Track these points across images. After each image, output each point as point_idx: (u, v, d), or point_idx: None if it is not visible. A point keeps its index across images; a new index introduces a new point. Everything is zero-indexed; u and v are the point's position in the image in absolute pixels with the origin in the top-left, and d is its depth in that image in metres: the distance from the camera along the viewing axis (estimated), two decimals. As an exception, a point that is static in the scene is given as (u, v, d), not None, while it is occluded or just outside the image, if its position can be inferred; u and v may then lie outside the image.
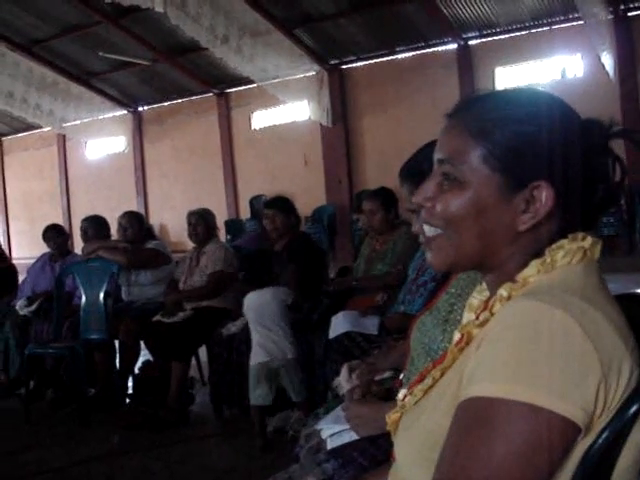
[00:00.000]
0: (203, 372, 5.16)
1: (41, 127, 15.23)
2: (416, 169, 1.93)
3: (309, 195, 12.42)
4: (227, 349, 4.29)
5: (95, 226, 5.51)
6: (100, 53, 12.51)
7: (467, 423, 0.85)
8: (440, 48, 11.88)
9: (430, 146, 1.18)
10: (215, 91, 14.21)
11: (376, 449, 1.83)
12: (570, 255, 0.97)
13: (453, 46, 11.72)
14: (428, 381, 1.03)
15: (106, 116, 15.10)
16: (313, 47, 12.15)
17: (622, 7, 10.24)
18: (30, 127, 16.18)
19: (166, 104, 15.06)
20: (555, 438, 0.82)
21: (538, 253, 0.99)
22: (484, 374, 0.86)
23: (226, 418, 4.48)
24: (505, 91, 1.08)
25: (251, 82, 12.31)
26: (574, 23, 10.35)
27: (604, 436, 0.87)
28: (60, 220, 14.32)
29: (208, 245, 4.97)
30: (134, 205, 14.53)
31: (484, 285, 1.13)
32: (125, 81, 14.30)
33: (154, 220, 14.47)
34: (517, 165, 0.98)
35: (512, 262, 1.01)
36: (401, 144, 10.69)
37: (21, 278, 6.03)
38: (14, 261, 7.03)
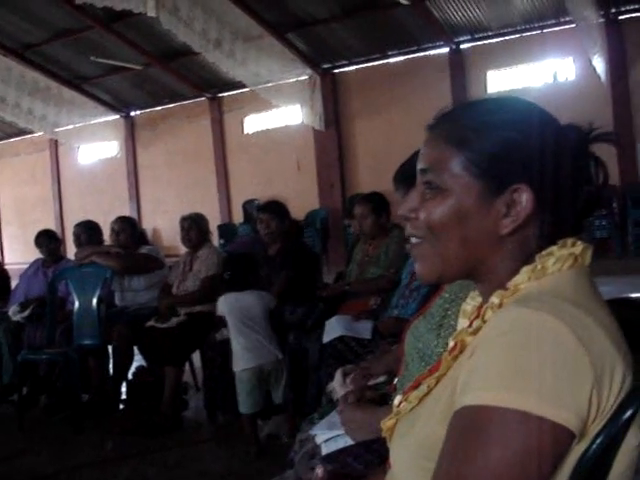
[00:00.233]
0: (197, 377, 5.15)
1: (33, 132, 15.22)
2: (410, 173, 1.93)
3: (302, 199, 12.42)
4: (221, 354, 4.28)
5: (88, 231, 5.50)
6: (92, 58, 12.52)
7: (462, 431, 0.86)
8: (432, 52, 11.93)
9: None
10: (208, 95, 14.22)
11: (371, 454, 1.82)
12: (561, 261, 0.97)
13: (445, 50, 11.77)
14: (423, 388, 1.04)
15: (98, 121, 15.07)
16: (305, 51, 12.17)
17: (613, 10, 10.29)
18: (22, 132, 16.15)
19: (158, 109, 15.06)
20: (549, 444, 0.82)
21: (528, 259, 0.99)
22: (477, 382, 0.86)
23: (220, 423, 4.47)
24: (483, 100, 1.09)
25: (243, 86, 12.31)
26: (565, 27, 10.41)
27: (598, 441, 0.87)
28: (52, 225, 14.28)
29: (201, 250, 4.96)
30: (127, 210, 14.49)
31: (477, 291, 1.14)
32: (117, 86, 14.29)
33: (147, 225, 14.45)
34: (497, 170, 0.99)
35: (502, 269, 1.02)
36: (393, 148, 10.74)
37: (13, 284, 6.00)
38: (6, 266, 6.99)
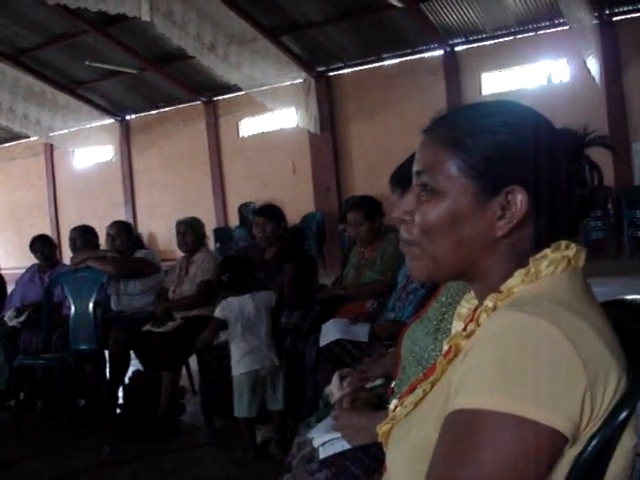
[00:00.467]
0: (194, 381, 5.14)
1: (28, 136, 15.21)
2: (406, 176, 1.93)
3: (298, 202, 12.44)
4: (217, 358, 4.27)
5: (84, 236, 5.48)
6: (87, 62, 12.51)
7: (455, 435, 0.86)
8: (426, 54, 11.96)
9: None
10: (203, 99, 14.22)
11: (369, 458, 1.82)
12: (554, 264, 0.98)
13: (439, 52, 11.79)
14: (419, 392, 1.04)
15: (93, 125, 15.08)
16: (300, 54, 12.19)
17: (607, 12, 10.33)
18: (17, 137, 16.15)
19: (154, 112, 15.06)
20: (542, 448, 0.82)
21: (522, 263, 0.99)
22: (471, 386, 0.86)
23: (217, 427, 4.46)
24: (478, 103, 1.11)
25: (238, 90, 12.33)
26: (559, 28, 10.44)
27: (594, 443, 0.87)
28: (48, 230, 14.28)
29: (197, 254, 4.95)
30: (122, 214, 14.49)
31: (472, 293, 1.14)
32: (112, 90, 14.28)
33: (142, 229, 14.45)
34: (491, 172, 1.00)
35: (496, 272, 1.02)
36: (389, 150, 10.76)
37: (9, 289, 5.99)
38: (2, 272, 6.98)
